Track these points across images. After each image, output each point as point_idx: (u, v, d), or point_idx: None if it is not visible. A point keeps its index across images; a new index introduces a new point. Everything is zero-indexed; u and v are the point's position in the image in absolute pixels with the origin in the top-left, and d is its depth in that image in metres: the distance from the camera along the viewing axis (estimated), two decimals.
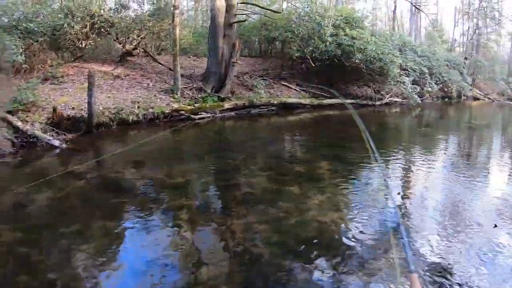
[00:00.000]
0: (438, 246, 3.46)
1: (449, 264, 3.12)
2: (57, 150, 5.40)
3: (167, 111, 7.32)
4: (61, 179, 4.20)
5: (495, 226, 3.99)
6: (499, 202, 4.85)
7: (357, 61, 12.55)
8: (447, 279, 2.88)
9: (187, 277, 2.65)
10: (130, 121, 6.53)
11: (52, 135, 5.37)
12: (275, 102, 10.22)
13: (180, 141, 6.65)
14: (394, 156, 6.72)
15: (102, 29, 8.52)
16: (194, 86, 8.87)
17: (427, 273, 2.96)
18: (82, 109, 6.18)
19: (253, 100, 9.47)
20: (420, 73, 17.71)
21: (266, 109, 9.97)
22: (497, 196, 5.11)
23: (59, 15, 7.84)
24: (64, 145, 5.37)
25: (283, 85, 11.24)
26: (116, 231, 3.15)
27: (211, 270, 2.76)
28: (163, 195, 4.00)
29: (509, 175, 6.24)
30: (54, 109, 5.75)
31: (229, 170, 5.12)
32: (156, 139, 6.19)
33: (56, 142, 5.26)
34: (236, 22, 9.65)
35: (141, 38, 9.54)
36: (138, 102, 7.01)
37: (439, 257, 3.22)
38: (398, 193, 4.99)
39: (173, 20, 8.44)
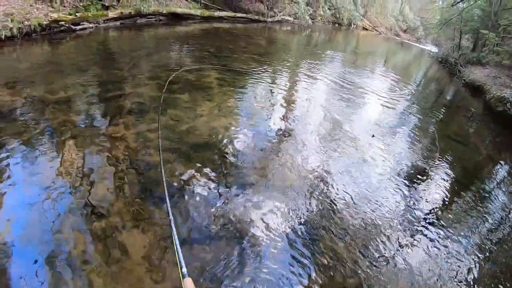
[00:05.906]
0: (320, 156, 3.90)
1: (329, 172, 3.57)
2: None
3: (45, 22, 7.14)
4: None
5: (373, 136, 4.58)
6: (375, 117, 5.68)
7: None
8: (326, 183, 3.35)
9: (82, 198, 2.60)
10: (3, 37, 6.20)
11: None
12: (164, 11, 10.38)
13: (61, 55, 6.24)
14: (281, 70, 7.42)
15: None
16: None
17: (307, 180, 3.34)
18: None
19: (141, 9, 9.53)
20: None
21: (154, 19, 10.10)
22: (374, 112, 6.04)
23: None
24: None
25: None
26: None
27: (106, 185, 2.73)
28: (46, 114, 3.75)
29: (385, 95, 7.32)
30: None
31: (115, 81, 5.00)
32: (32, 54, 6.02)
33: None
34: None
35: None
36: (12, 15, 6.55)
37: (322, 166, 3.67)
38: (284, 106, 5.34)
39: None
